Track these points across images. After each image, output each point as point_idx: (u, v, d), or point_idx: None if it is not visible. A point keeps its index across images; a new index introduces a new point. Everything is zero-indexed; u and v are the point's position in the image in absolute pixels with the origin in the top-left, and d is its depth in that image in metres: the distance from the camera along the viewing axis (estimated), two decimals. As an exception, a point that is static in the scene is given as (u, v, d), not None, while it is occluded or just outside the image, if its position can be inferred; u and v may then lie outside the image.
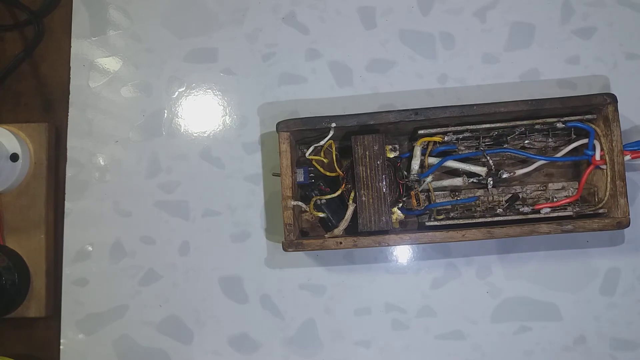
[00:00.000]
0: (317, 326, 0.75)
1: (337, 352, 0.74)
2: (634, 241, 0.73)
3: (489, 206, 0.70)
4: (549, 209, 0.66)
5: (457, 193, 0.71)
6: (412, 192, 0.68)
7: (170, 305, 0.76)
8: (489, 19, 0.76)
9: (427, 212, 0.69)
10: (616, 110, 0.64)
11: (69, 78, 0.79)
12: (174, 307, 0.76)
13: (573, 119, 0.66)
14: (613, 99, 0.64)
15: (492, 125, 0.66)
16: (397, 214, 0.68)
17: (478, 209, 0.69)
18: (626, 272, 0.73)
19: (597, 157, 0.65)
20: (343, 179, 0.68)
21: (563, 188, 0.71)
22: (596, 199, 0.67)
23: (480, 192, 0.71)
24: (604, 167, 0.65)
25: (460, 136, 0.67)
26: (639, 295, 0.72)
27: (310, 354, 0.74)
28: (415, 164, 0.68)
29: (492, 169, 0.68)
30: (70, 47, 0.79)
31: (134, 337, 0.75)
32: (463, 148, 0.69)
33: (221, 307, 0.75)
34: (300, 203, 0.67)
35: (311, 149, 0.68)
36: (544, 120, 0.66)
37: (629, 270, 0.73)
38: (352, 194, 0.67)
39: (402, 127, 0.68)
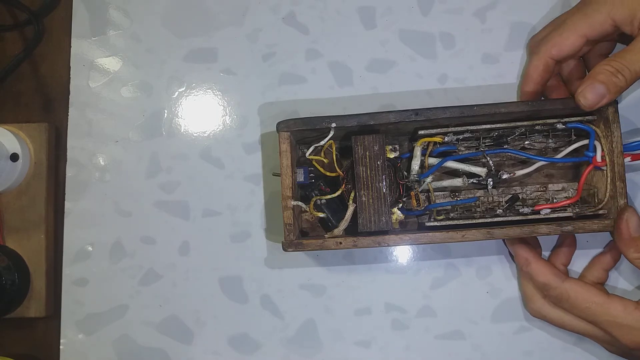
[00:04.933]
0: (317, 326, 0.75)
1: (337, 352, 0.74)
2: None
3: (489, 207, 0.70)
4: (548, 210, 0.66)
5: (457, 193, 0.72)
6: (412, 193, 0.68)
7: (170, 305, 0.76)
8: (489, 19, 0.76)
9: (427, 212, 0.69)
10: (616, 111, 0.64)
11: (69, 78, 0.79)
12: (174, 307, 0.76)
13: (573, 120, 0.65)
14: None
15: (493, 125, 0.66)
16: (397, 214, 0.68)
17: (478, 209, 0.69)
18: (626, 272, 0.73)
19: (599, 158, 0.65)
20: (343, 179, 0.68)
21: (563, 189, 0.71)
22: (596, 200, 0.67)
23: (480, 193, 0.71)
24: (604, 168, 0.65)
25: (461, 137, 0.67)
26: (639, 296, 0.72)
27: (310, 354, 0.74)
28: (415, 165, 0.68)
29: (492, 170, 0.68)
30: (70, 47, 0.79)
31: (134, 337, 0.75)
32: (463, 149, 0.69)
33: (221, 307, 0.75)
34: (300, 203, 0.67)
35: (311, 149, 0.68)
36: (544, 121, 0.66)
37: (629, 270, 0.73)
38: (352, 194, 0.67)
39: (403, 127, 0.68)
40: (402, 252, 0.75)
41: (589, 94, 0.62)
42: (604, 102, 0.62)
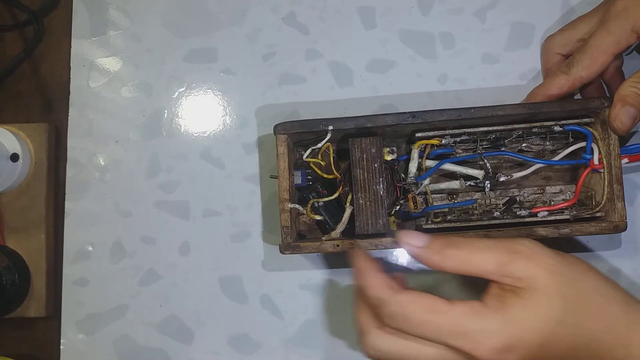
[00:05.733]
0: (317, 326, 0.75)
1: (337, 352, 0.74)
2: (632, 242, 0.72)
3: (486, 209, 0.70)
4: (546, 213, 0.66)
5: (454, 196, 0.71)
6: (410, 195, 0.68)
7: (170, 305, 0.76)
8: (489, 19, 0.76)
9: (425, 215, 0.69)
10: (614, 113, 0.64)
11: (69, 78, 0.79)
12: (174, 307, 0.76)
13: (571, 122, 0.65)
14: (611, 102, 0.63)
15: (490, 128, 0.66)
16: (394, 216, 0.68)
17: (475, 212, 0.69)
18: (626, 272, 0.72)
19: (596, 160, 0.65)
20: (340, 182, 0.68)
21: (560, 191, 0.71)
22: (593, 203, 0.66)
23: (477, 195, 0.71)
24: (601, 170, 0.65)
25: (458, 139, 0.67)
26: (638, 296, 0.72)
27: (310, 354, 0.75)
28: (413, 167, 0.68)
29: (489, 172, 0.68)
30: (70, 47, 0.79)
31: (134, 337, 0.76)
32: (460, 151, 0.69)
33: (221, 307, 0.76)
34: (297, 206, 0.67)
35: (309, 151, 0.68)
36: (541, 123, 0.65)
37: (629, 271, 0.72)
38: (350, 197, 0.67)
39: (400, 129, 0.68)
40: (402, 253, 0.75)
41: (625, 119, 0.62)
42: (635, 123, 0.62)
